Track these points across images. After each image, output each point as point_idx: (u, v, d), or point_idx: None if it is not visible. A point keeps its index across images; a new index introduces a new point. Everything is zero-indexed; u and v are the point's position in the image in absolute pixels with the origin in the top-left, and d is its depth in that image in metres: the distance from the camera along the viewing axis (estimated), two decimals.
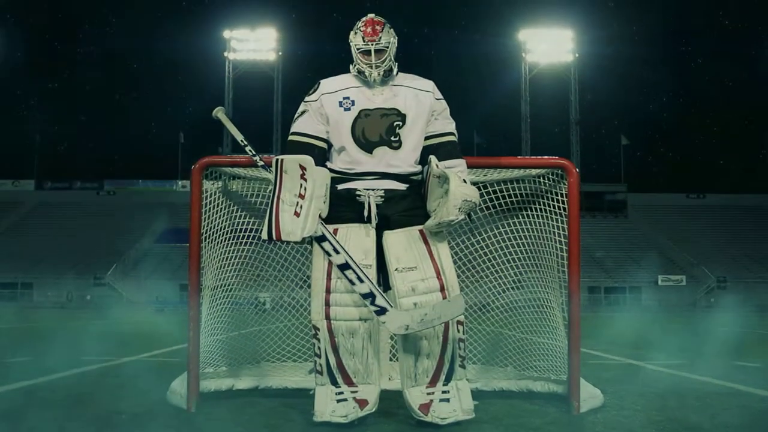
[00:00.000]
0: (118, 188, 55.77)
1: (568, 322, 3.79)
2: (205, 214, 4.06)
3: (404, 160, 3.76)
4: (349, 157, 3.77)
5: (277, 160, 3.63)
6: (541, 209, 4.15)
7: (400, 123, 3.77)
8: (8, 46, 47.16)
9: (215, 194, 4.17)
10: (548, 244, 4.07)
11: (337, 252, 3.50)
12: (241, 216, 4.38)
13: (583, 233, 3.91)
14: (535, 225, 4.24)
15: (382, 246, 3.66)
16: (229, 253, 4.24)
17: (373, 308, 3.42)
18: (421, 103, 3.82)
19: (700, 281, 42.70)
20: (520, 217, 4.29)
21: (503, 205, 4.33)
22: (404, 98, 3.81)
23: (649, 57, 47.02)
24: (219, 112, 4.16)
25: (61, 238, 46.09)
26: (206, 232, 4.02)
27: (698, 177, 52.86)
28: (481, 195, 4.22)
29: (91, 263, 42.94)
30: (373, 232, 3.66)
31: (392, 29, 3.90)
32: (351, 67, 3.87)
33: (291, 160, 3.62)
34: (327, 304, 3.55)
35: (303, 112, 3.86)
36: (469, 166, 3.86)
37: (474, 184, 4.48)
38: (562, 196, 3.97)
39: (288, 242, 3.46)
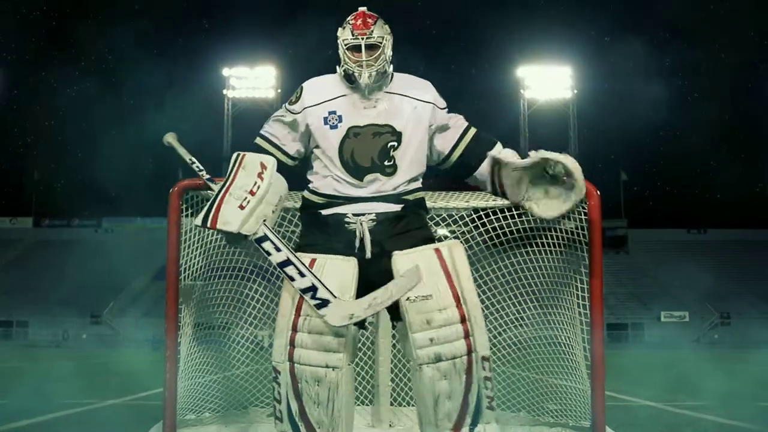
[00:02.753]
0: (117, 225, 55.53)
1: (590, 361, 3.40)
2: (185, 243, 3.68)
3: (399, 184, 3.28)
4: (337, 183, 3.30)
5: (237, 154, 3.26)
6: (557, 236, 3.75)
7: (395, 143, 3.27)
8: (5, 83, 47.12)
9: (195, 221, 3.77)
10: (566, 275, 3.67)
11: (279, 250, 3.03)
12: (225, 248, 3.99)
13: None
14: (551, 254, 3.84)
15: (386, 272, 3.07)
16: (213, 287, 3.86)
17: (314, 302, 2.91)
18: (420, 118, 3.34)
19: (704, 317, 42.26)
20: (534, 245, 3.89)
21: (515, 233, 3.94)
22: (400, 111, 3.32)
23: (647, 92, 47.03)
24: (170, 137, 3.85)
25: (58, 275, 45.65)
26: (186, 263, 3.64)
27: (699, 212, 52.63)
28: (492, 222, 3.88)
29: (88, 301, 42.48)
30: (354, 262, 3.12)
31: (387, 25, 3.41)
32: (338, 69, 3.35)
33: (253, 157, 3.24)
34: (291, 344, 3.01)
35: (280, 118, 3.41)
36: (482, 189, 3.46)
37: (483, 210, 4.08)
38: (581, 221, 3.58)
39: (221, 232, 3.02)
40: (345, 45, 3.29)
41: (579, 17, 45.55)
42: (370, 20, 3.36)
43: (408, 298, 3.00)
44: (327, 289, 2.95)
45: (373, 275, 3.10)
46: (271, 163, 3.21)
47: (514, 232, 3.95)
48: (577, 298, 3.53)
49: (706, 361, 15.86)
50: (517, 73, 53.02)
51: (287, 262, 3.00)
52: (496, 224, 3.90)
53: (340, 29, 3.35)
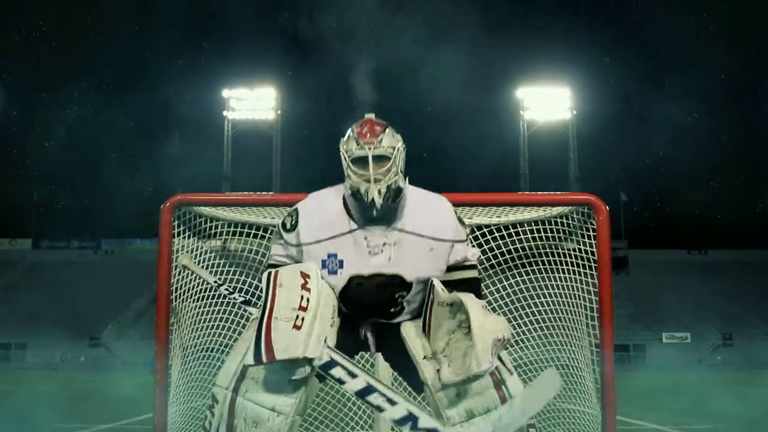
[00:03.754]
0: (116, 247, 55.28)
1: (600, 384, 3.23)
2: (175, 261, 3.51)
3: (404, 316, 2.99)
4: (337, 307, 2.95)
5: (269, 272, 2.79)
6: (564, 254, 3.59)
7: (404, 293, 2.90)
8: (4, 104, 47.09)
9: (190, 238, 3.60)
10: (574, 294, 3.51)
11: (354, 376, 2.58)
12: (218, 268, 3.82)
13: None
14: (556, 272, 3.69)
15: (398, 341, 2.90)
16: (206, 308, 3.68)
17: None
18: (435, 259, 2.91)
19: (705, 338, 41.94)
20: (540, 263, 3.73)
21: (519, 250, 3.77)
22: (412, 256, 2.87)
23: (647, 113, 47.10)
24: (185, 260, 3.42)
25: (57, 297, 45.34)
26: (177, 282, 3.48)
27: (699, 233, 52.40)
28: (496, 240, 3.70)
29: (86, 323, 42.16)
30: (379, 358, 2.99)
31: (399, 135, 2.97)
32: (344, 188, 2.92)
33: (289, 270, 2.79)
34: (242, 375, 2.73)
35: (279, 243, 3.00)
36: (485, 204, 3.21)
37: (486, 227, 3.82)
38: (589, 237, 3.42)
39: (286, 363, 2.52)
40: (349, 157, 2.88)
41: (578, 38, 45.59)
42: (378, 128, 2.92)
43: (425, 357, 2.77)
44: (430, 415, 2.53)
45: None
46: (313, 271, 2.81)
47: (519, 250, 3.80)
48: (586, 318, 3.39)
49: (711, 384, 15.67)
50: (516, 94, 52.96)
51: (370, 390, 2.57)
52: (500, 242, 3.78)
53: (342, 139, 2.94)
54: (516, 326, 3.81)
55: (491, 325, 2.55)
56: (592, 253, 3.44)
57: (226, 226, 3.88)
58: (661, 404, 8.66)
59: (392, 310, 2.93)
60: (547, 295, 3.71)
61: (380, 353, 3.12)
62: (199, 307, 3.63)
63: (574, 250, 3.55)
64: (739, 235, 51.03)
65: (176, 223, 3.55)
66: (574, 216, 3.60)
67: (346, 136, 2.93)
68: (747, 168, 50.87)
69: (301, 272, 2.76)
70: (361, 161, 2.84)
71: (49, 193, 53.88)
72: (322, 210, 2.97)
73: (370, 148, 2.85)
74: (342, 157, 2.88)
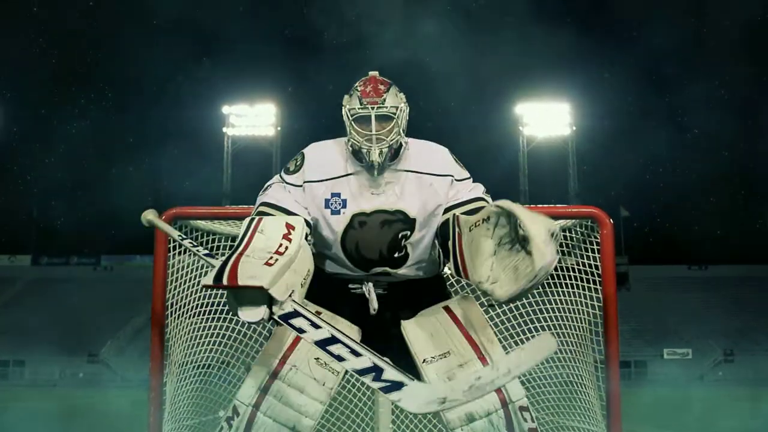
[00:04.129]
0: (116, 264, 55.16)
1: (605, 400, 3.18)
2: (172, 275, 3.44)
3: (410, 268, 2.91)
4: (338, 267, 2.94)
5: (251, 218, 2.69)
6: (567, 268, 3.55)
7: (408, 232, 2.85)
8: (4, 121, 47.15)
9: (186, 252, 3.53)
10: (577, 309, 3.46)
11: (317, 326, 2.37)
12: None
13: None
14: (561, 287, 3.64)
15: (398, 341, 2.83)
16: (203, 323, 3.61)
17: (380, 385, 2.24)
18: (436, 196, 2.88)
19: (707, 354, 41.78)
20: None
21: None
22: (414, 193, 2.86)
23: (646, 128, 47.10)
24: (150, 215, 3.19)
25: (56, 314, 45.22)
26: (174, 296, 3.42)
27: (699, 248, 52.33)
28: None
29: (85, 340, 42.03)
30: (357, 332, 2.82)
31: (402, 93, 2.93)
32: (345, 142, 2.91)
33: (274, 219, 2.69)
34: (265, 390, 2.65)
35: (279, 184, 2.93)
36: None
37: None
38: (593, 251, 3.38)
39: (247, 287, 2.30)
40: (352, 116, 2.84)
41: (577, 54, 45.70)
42: (382, 87, 2.87)
43: (425, 360, 2.71)
44: (396, 368, 2.29)
45: (378, 344, 2.60)
46: (299, 224, 2.69)
47: None
48: (590, 333, 3.34)
49: (715, 400, 15.57)
50: (515, 110, 53.00)
51: (332, 340, 2.34)
52: None
53: (346, 96, 2.91)
54: (519, 342, 3.76)
55: (541, 217, 2.41)
56: (596, 267, 3.40)
57: (224, 240, 3.84)
58: (668, 421, 8.58)
59: (396, 254, 2.87)
60: (549, 310, 3.66)
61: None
62: (197, 323, 3.57)
63: (577, 263, 3.51)
64: (740, 250, 51.00)
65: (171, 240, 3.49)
66: (577, 229, 3.56)
67: (349, 94, 2.90)
68: (747, 183, 50.88)
69: (287, 222, 2.67)
70: (363, 120, 2.82)
71: (48, 209, 53.92)
72: (326, 153, 2.95)
73: (373, 108, 2.82)
74: (344, 115, 2.86)
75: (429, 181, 2.88)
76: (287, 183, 2.92)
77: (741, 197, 49.55)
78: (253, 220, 2.69)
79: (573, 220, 3.56)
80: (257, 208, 2.89)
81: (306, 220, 2.82)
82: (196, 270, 3.64)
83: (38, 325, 44.02)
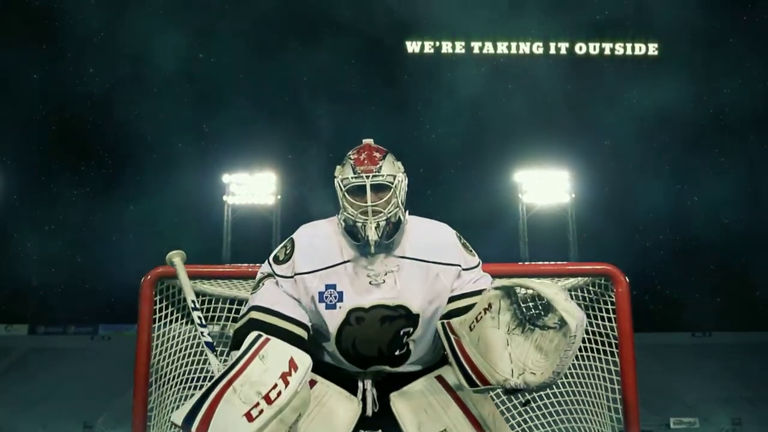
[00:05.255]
0: (114, 333, 54.63)
1: None
2: (157, 340, 3.31)
3: (412, 364, 2.72)
4: (333, 360, 2.73)
5: (258, 335, 2.46)
6: None
7: (410, 329, 2.65)
8: (3, 188, 47.21)
9: (172, 315, 3.39)
10: (592, 374, 3.29)
11: None
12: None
13: None
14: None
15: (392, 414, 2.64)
16: (189, 392, 3.43)
17: None
18: (442, 288, 2.67)
19: (714, 423, 41.07)
20: None
21: None
22: (417, 284, 2.63)
23: (646, 196, 47.25)
24: (176, 257, 3.07)
25: (52, 384, 44.77)
26: (158, 363, 3.27)
27: (702, 315, 51.90)
28: None
29: (81, 410, 41.43)
30: (357, 405, 2.62)
31: (399, 162, 2.77)
32: (337, 218, 2.74)
33: (281, 347, 2.45)
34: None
35: (270, 281, 2.70)
36: (496, 275, 2.95)
37: None
38: (607, 311, 3.22)
39: None
40: (345, 186, 2.66)
41: (576, 122, 46.14)
42: (377, 155, 2.70)
43: None
44: None
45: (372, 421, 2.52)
46: (304, 366, 2.40)
47: None
48: (607, 400, 3.17)
49: None
50: (514, 177, 53.15)
51: None
52: None
53: (338, 167, 2.75)
54: (529, 410, 3.57)
55: (549, 282, 2.27)
56: (611, 329, 3.25)
57: (214, 302, 3.70)
58: None
59: (397, 352, 2.66)
60: (564, 375, 3.47)
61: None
62: (184, 389, 3.41)
63: (591, 325, 3.35)
64: (743, 317, 50.59)
65: (158, 298, 3.38)
66: (589, 288, 3.43)
67: (342, 164, 2.73)
68: (749, 248, 50.79)
69: (292, 358, 2.40)
70: (357, 190, 2.63)
71: (46, 277, 53.64)
72: (318, 239, 2.75)
73: (368, 177, 2.64)
74: (337, 187, 2.68)
75: (435, 271, 2.68)
76: (277, 275, 2.72)
77: (743, 263, 49.38)
78: (259, 337, 2.43)
79: (584, 278, 3.42)
80: (249, 312, 2.64)
81: (305, 324, 2.64)
82: (184, 341, 3.50)
83: (34, 395, 43.49)
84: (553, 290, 2.25)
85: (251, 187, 54.31)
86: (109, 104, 46.72)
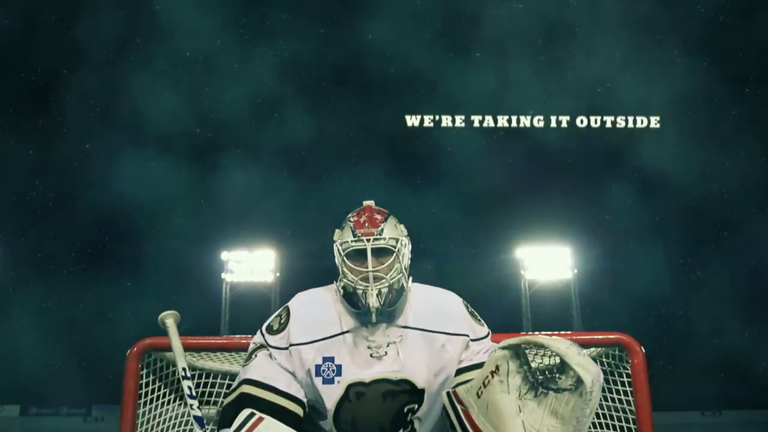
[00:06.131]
0: (107, 414, 53.91)
1: None
2: (143, 417, 2.96)
3: None
4: None
5: (249, 415, 2.24)
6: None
7: (415, 405, 2.40)
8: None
9: (160, 390, 3.02)
10: None
11: None
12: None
13: None
14: (590, 427, 2.99)
15: None
16: None
17: None
18: (449, 359, 2.44)
19: None
20: None
21: None
22: (422, 356, 2.41)
23: (650, 271, 47.04)
24: (168, 319, 2.92)
25: None
26: None
27: (712, 393, 51.19)
28: None
29: None
30: None
31: (402, 225, 2.60)
32: (335, 285, 2.56)
33: (275, 428, 2.25)
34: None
35: (263, 353, 2.51)
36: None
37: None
38: (622, 384, 2.79)
39: None
40: (344, 251, 2.50)
41: (577, 195, 46.23)
42: (378, 217, 2.52)
43: None
44: None
45: None
46: None
47: None
48: None
49: None
50: (515, 254, 53.01)
51: None
52: None
53: (337, 230, 2.58)
54: None
55: (559, 338, 2.04)
56: (627, 402, 2.83)
57: (204, 377, 3.35)
58: None
59: (401, 431, 2.35)
60: None
61: None
62: None
63: (605, 399, 2.91)
64: (754, 394, 49.85)
65: (145, 372, 3.02)
66: (603, 360, 3.02)
67: (341, 227, 2.56)
68: (757, 324, 50.36)
69: None
70: (357, 255, 2.45)
71: (38, 357, 53.11)
72: (315, 307, 2.56)
73: (369, 240, 2.45)
74: (336, 251, 2.50)
75: (440, 342, 2.45)
76: (271, 346, 2.52)
77: (752, 339, 48.90)
78: (252, 415, 2.23)
79: (597, 349, 3.00)
80: (240, 386, 2.44)
81: (300, 400, 2.43)
82: (173, 419, 3.13)
83: None
84: (565, 345, 2.09)
85: (250, 265, 54.19)
86: (107, 180, 46.90)
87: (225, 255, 55.35)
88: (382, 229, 2.50)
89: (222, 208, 53.88)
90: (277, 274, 55.26)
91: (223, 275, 54.38)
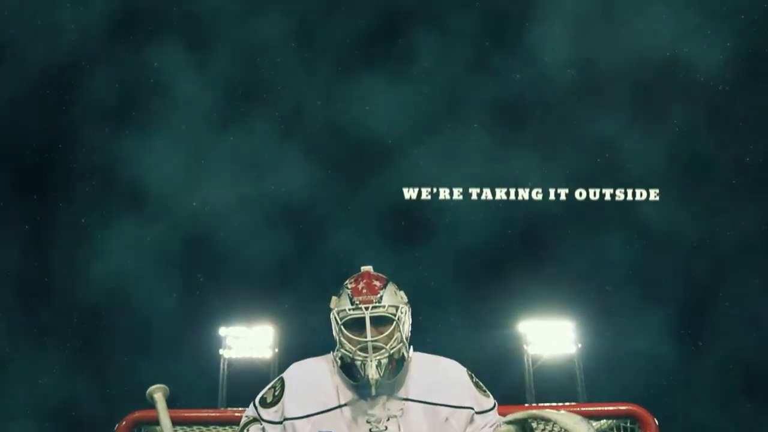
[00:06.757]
0: None
1: None
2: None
3: None
4: None
5: None
6: None
7: None
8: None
9: None
10: None
11: None
12: None
13: None
14: None
15: None
16: None
17: None
18: None
19: None
20: None
21: None
22: (424, 430, 2.36)
23: (655, 342, 46.72)
24: (157, 392, 2.81)
25: None
26: None
27: None
28: None
29: None
30: None
31: (402, 292, 2.53)
32: (333, 356, 2.50)
33: None
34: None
35: (255, 425, 2.45)
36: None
37: None
38: None
39: None
40: (341, 319, 2.45)
41: (578, 268, 46.12)
42: (377, 283, 2.48)
43: None
44: None
45: None
46: None
47: None
48: None
49: None
50: (518, 328, 52.57)
51: None
52: None
53: (334, 298, 2.53)
54: None
55: (571, 413, 1.99)
56: None
57: None
58: None
59: None
60: None
61: None
62: None
63: None
64: None
65: None
66: None
67: (338, 294, 2.49)
68: (760, 396, 49.76)
69: None
70: (356, 324, 2.41)
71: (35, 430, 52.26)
72: (311, 378, 2.48)
73: (367, 308, 2.41)
74: (332, 320, 2.46)
75: (444, 415, 2.40)
76: (264, 420, 2.45)
77: (752, 409, 48.23)
78: None
79: (608, 421, 2.74)
80: None
81: None
82: None
83: None
84: (574, 420, 2.11)
85: (248, 341, 53.53)
86: (103, 254, 46.76)
87: (223, 331, 54.83)
88: (381, 297, 2.44)
89: (219, 282, 53.67)
90: (276, 350, 54.62)
91: (220, 351, 53.74)
